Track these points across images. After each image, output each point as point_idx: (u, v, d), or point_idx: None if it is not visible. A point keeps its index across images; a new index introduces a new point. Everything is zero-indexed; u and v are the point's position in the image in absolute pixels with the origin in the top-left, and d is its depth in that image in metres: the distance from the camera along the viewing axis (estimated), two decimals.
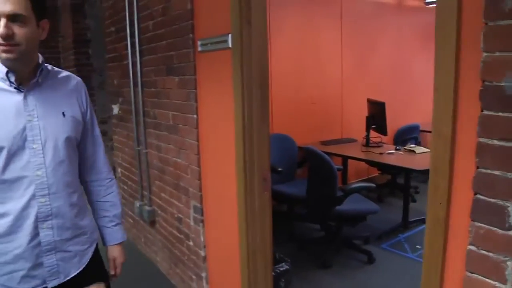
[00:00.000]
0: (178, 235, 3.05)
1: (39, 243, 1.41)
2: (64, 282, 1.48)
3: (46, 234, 1.41)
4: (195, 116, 2.63)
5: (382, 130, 4.42)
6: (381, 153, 4.25)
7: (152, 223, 3.51)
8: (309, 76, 4.83)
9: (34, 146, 1.38)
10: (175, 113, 2.89)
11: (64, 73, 1.56)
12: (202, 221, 2.71)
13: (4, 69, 1.35)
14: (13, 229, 1.37)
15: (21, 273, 1.40)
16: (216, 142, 2.50)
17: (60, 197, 1.44)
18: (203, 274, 2.80)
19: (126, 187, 4.09)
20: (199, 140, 2.65)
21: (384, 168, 4.90)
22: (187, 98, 2.69)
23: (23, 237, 1.38)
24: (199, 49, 2.50)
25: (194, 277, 2.93)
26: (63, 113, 1.46)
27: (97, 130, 1.65)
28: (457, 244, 1.27)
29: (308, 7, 4.79)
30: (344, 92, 5.24)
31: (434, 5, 1.29)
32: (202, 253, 2.75)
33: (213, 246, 2.70)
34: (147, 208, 3.49)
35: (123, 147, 4.06)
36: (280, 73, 4.40)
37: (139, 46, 3.28)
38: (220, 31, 2.26)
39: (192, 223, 2.82)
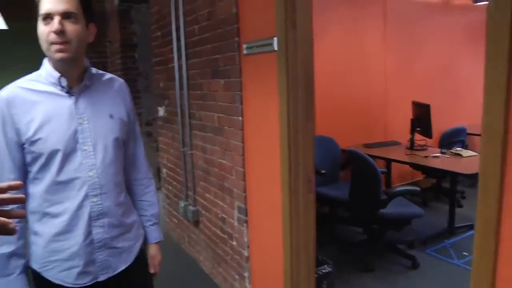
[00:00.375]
0: (222, 235, 3.10)
1: (92, 241, 1.47)
2: (113, 276, 1.55)
3: (98, 232, 1.48)
4: (240, 118, 2.68)
5: (427, 132, 4.34)
6: (426, 156, 4.17)
7: (196, 223, 3.58)
8: (353, 78, 4.80)
9: (85, 148, 1.44)
10: (220, 115, 2.95)
11: (107, 75, 1.61)
12: (246, 221, 2.75)
13: (57, 74, 1.41)
14: (69, 228, 1.44)
15: (77, 269, 1.47)
16: (261, 143, 2.54)
17: (110, 197, 1.50)
18: (246, 274, 2.84)
19: (171, 188, 4.20)
20: (244, 141, 2.69)
21: (429, 171, 4.79)
22: (233, 100, 2.74)
23: (78, 235, 1.45)
24: (245, 52, 2.54)
25: (237, 276, 2.97)
26: (110, 115, 1.51)
27: (138, 129, 1.70)
28: (510, 250, 1.24)
29: (352, 8, 4.76)
30: (388, 94, 5.16)
31: (483, 3, 1.26)
32: (245, 253, 2.79)
33: (256, 246, 2.73)
34: (191, 208, 3.57)
35: (168, 148, 4.16)
36: (324, 74, 4.38)
37: (185, 49, 3.36)
38: (266, 34, 2.29)
39: (236, 223, 2.87)
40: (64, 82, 1.42)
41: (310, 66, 2.20)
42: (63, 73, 1.41)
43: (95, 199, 1.46)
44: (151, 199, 1.74)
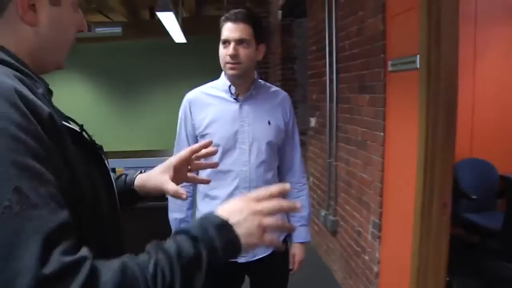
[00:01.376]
0: (356, 247, 3.13)
1: None
2: (253, 260, 1.77)
3: None
4: (381, 133, 2.69)
5: None
6: None
7: (334, 233, 3.65)
8: None
9: (243, 147, 1.73)
10: (364, 129, 2.99)
11: (274, 88, 1.90)
12: (379, 237, 2.74)
13: (228, 83, 1.74)
14: None
15: None
16: (399, 161, 2.52)
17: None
18: None
19: (316, 196, 4.34)
20: (384, 157, 2.69)
21: None
22: (376, 116, 2.76)
23: None
24: (390, 69, 2.55)
25: None
26: (268, 121, 1.77)
27: (297, 138, 1.93)
28: None
29: None
30: None
31: None
32: (375, 269, 2.78)
33: (387, 263, 2.70)
34: (331, 218, 3.66)
35: (317, 158, 4.31)
36: (484, 94, 4.06)
37: (336, 64, 3.48)
38: (409, 51, 2.28)
39: (369, 237, 2.88)
40: (233, 90, 1.74)
41: (454, 86, 2.12)
42: (233, 83, 1.74)
43: (244, 191, 1.71)
44: (303, 201, 1.89)
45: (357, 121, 3.11)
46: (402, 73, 2.42)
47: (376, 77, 2.73)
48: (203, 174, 1.76)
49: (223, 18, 1.72)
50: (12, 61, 0.72)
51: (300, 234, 1.91)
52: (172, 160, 1.10)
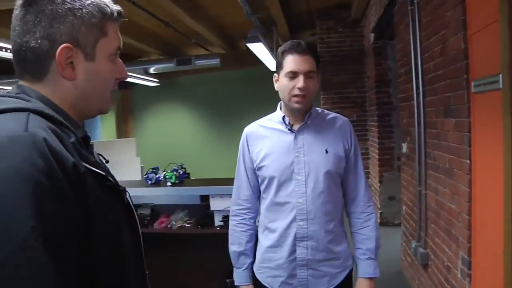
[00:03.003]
0: (446, 285, 2.85)
1: (295, 258, 1.69)
2: None
3: (301, 252, 1.69)
4: (468, 161, 2.46)
5: None
6: None
7: (425, 266, 3.38)
8: None
9: (299, 178, 1.68)
10: (451, 156, 2.76)
11: (332, 114, 1.82)
12: (469, 275, 2.47)
13: (281, 114, 1.73)
14: (278, 243, 1.71)
15: (281, 279, 1.73)
16: (487, 191, 2.27)
17: (317, 223, 1.68)
18: None
19: (408, 226, 4.07)
20: (472, 187, 2.45)
21: None
22: (462, 142, 2.54)
23: (284, 251, 1.70)
24: (473, 90, 2.34)
25: None
26: (326, 150, 1.70)
27: (360, 166, 1.81)
28: None
29: None
30: None
31: None
32: None
33: None
34: (421, 250, 3.39)
35: (408, 185, 4.07)
36: None
37: (422, 87, 3.28)
38: (492, 70, 2.08)
39: (459, 275, 2.61)
40: (287, 120, 1.72)
41: None
42: (291, 114, 1.72)
43: (301, 223, 1.68)
44: (368, 233, 1.78)
45: (444, 147, 2.88)
46: (485, 94, 2.21)
47: (460, 100, 2.52)
48: (262, 206, 1.79)
49: (284, 49, 1.69)
50: (51, 114, 0.82)
51: (365, 269, 1.77)
52: None
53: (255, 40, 5.28)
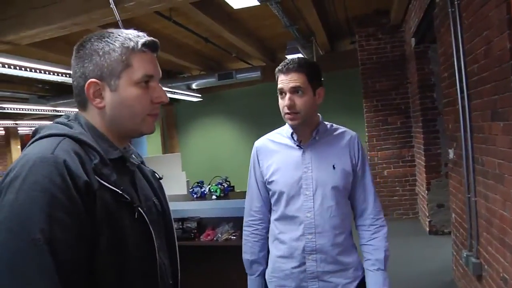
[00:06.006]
0: None
1: (304, 270, 1.72)
2: None
3: (311, 265, 1.71)
4: None
5: None
6: None
7: (479, 277, 3.24)
8: None
9: (307, 193, 1.71)
10: (500, 161, 2.66)
11: (341, 129, 1.82)
12: None
13: (290, 130, 1.76)
14: (288, 255, 1.75)
15: None
16: None
17: (325, 237, 1.70)
18: None
19: (458, 234, 3.93)
20: None
21: None
22: (511, 146, 2.44)
23: (293, 262, 1.73)
24: None
25: None
26: (333, 166, 1.72)
27: (368, 179, 1.81)
28: None
29: None
30: None
31: None
32: None
33: None
34: (473, 260, 3.26)
35: (457, 192, 3.93)
36: None
37: (467, 90, 3.19)
38: None
39: None
40: (295, 137, 1.75)
41: None
42: (295, 131, 1.75)
43: (309, 236, 1.70)
44: (377, 243, 1.76)
45: (493, 152, 2.77)
46: None
47: (508, 102, 2.42)
48: (273, 217, 1.82)
49: (276, 70, 1.73)
50: (83, 139, 0.99)
51: (376, 279, 1.73)
52: None
53: (295, 51, 5.32)
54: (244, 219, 1.91)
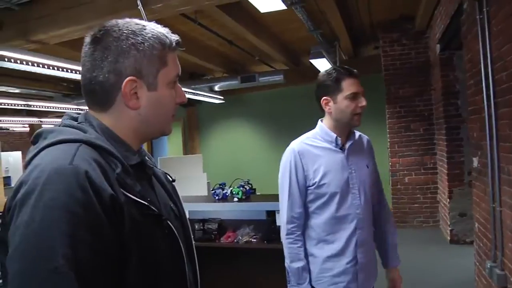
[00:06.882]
0: None
1: (356, 263, 1.86)
2: None
3: (361, 257, 1.87)
4: None
5: None
6: None
7: None
8: None
9: (354, 191, 1.88)
10: None
11: (357, 133, 2.03)
12: None
13: (334, 135, 1.89)
14: (340, 252, 1.86)
15: (342, 285, 1.87)
16: None
17: (367, 229, 1.92)
18: None
19: (481, 244, 3.87)
20: None
21: None
22: None
23: (346, 258, 1.86)
24: None
25: None
26: (367, 165, 1.95)
27: (379, 176, 2.11)
28: None
29: None
30: None
31: None
32: None
33: None
34: (497, 271, 3.21)
35: (480, 202, 3.87)
36: None
37: (494, 98, 3.14)
38: None
39: None
40: (339, 141, 1.89)
41: None
42: (338, 134, 1.89)
43: (359, 231, 1.86)
44: (392, 229, 2.10)
45: None
46: None
47: None
48: (320, 221, 1.90)
49: (339, 75, 1.86)
50: (102, 145, 0.88)
51: (395, 258, 2.07)
52: None
53: (319, 56, 5.31)
54: (285, 227, 1.91)
